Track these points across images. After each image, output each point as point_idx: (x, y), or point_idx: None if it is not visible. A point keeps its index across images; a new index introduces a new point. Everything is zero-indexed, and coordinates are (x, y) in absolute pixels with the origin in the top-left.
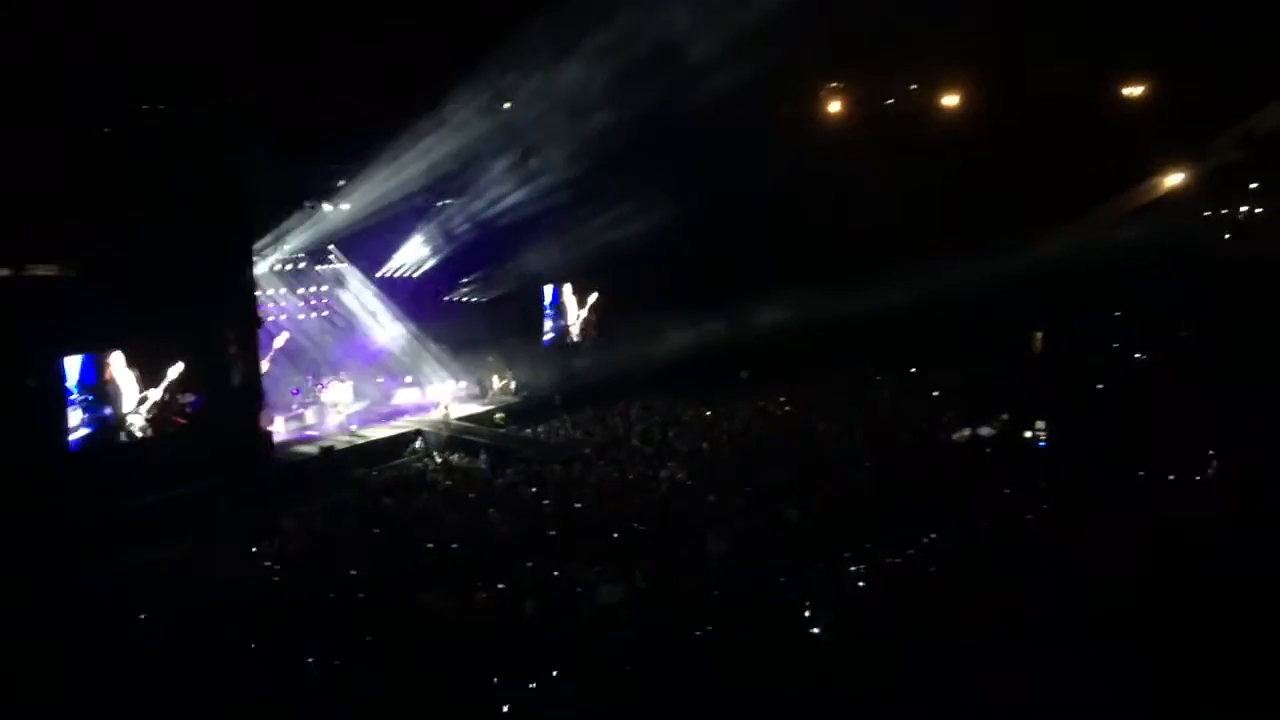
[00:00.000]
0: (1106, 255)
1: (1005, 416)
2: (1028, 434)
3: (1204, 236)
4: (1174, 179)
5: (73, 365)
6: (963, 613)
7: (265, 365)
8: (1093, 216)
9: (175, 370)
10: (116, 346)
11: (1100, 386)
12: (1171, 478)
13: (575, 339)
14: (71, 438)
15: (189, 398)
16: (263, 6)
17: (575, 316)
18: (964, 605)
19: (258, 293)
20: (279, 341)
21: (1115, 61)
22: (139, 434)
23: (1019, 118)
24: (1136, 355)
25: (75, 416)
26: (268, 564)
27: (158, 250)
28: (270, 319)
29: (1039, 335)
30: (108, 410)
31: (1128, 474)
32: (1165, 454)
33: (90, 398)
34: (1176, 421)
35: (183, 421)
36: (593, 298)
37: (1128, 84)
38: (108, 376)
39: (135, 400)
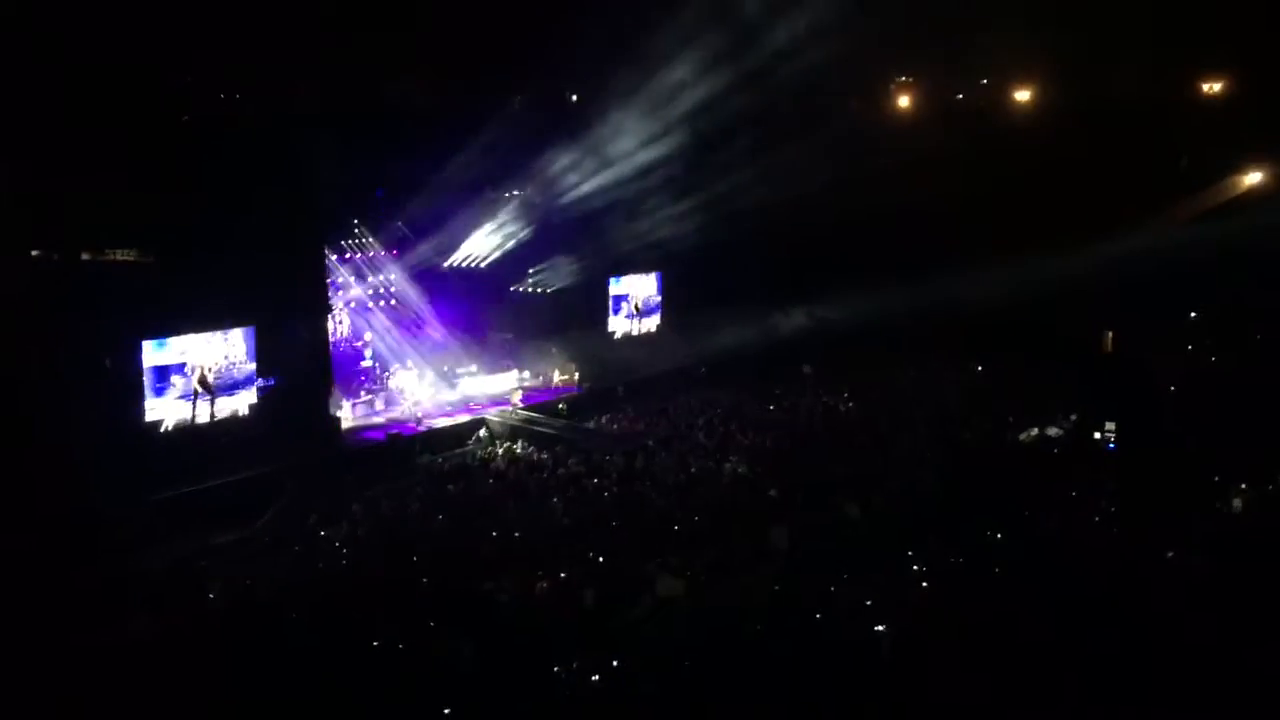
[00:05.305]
0: (1182, 255)
1: (1074, 417)
2: (1097, 435)
3: None
4: (1253, 178)
5: (148, 348)
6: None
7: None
8: (1169, 215)
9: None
10: (191, 330)
11: (1172, 389)
12: (1243, 486)
13: (640, 331)
14: (146, 419)
15: (263, 382)
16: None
17: (640, 309)
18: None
19: (328, 280)
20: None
21: (1195, 57)
22: (211, 417)
23: (1095, 113)
24: (1211, 358)
25: (150, 399)
26: (336, 546)
27: (232, 238)
28: (339, 307)
29: (1110, 335)
30: (181, 393)
31: (1198, 478)
32: (1236, 459)
33: (164, 381)
34: (1248, 426)
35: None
36: (658, 291)
37: (1207, 80)
38: (182, 360)
39: (209, 384)
